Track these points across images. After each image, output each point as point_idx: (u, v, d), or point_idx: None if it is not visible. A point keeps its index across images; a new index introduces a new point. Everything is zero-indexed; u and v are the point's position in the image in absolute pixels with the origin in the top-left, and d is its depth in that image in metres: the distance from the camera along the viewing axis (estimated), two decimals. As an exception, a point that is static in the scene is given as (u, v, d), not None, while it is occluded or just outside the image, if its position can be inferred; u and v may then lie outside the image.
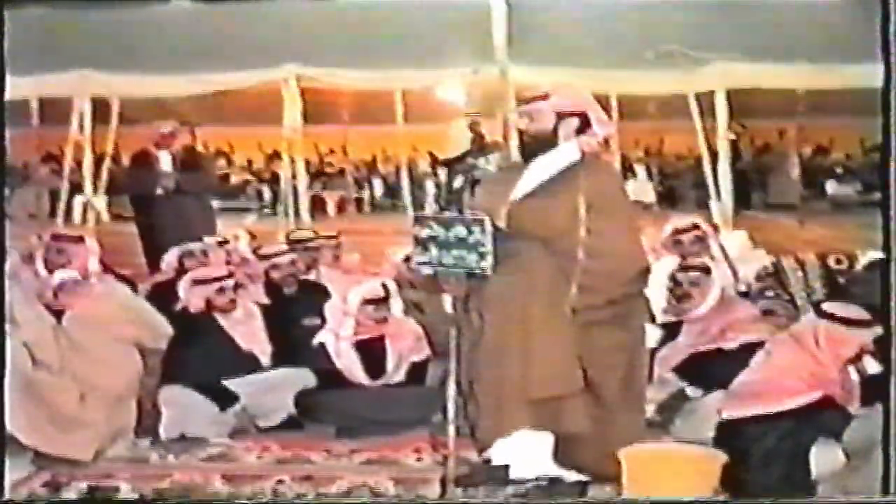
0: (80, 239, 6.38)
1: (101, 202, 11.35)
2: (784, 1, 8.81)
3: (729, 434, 4.23)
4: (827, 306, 4.36)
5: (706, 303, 5.44)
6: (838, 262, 6.24)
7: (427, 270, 4.32)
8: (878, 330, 4.03)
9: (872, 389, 4.11)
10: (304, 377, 5.49)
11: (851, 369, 4.23)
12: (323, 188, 16.03)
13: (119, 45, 9.16)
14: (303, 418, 5.40)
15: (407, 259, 6.45)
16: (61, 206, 11.08)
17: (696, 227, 6.66)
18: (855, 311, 4.25)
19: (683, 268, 5.63)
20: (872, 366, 4.20)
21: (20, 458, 4.66)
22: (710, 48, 9.23)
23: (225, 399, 5.34)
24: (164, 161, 8.33)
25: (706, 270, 5.56)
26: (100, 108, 10.98)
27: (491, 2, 8.65)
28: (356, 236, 8.97)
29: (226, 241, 7.30)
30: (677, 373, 5.34)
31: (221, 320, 5.59)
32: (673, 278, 5.55)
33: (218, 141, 17.10)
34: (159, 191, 8.22)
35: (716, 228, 7.06)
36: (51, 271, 5.86)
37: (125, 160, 11.09)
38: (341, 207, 16.30)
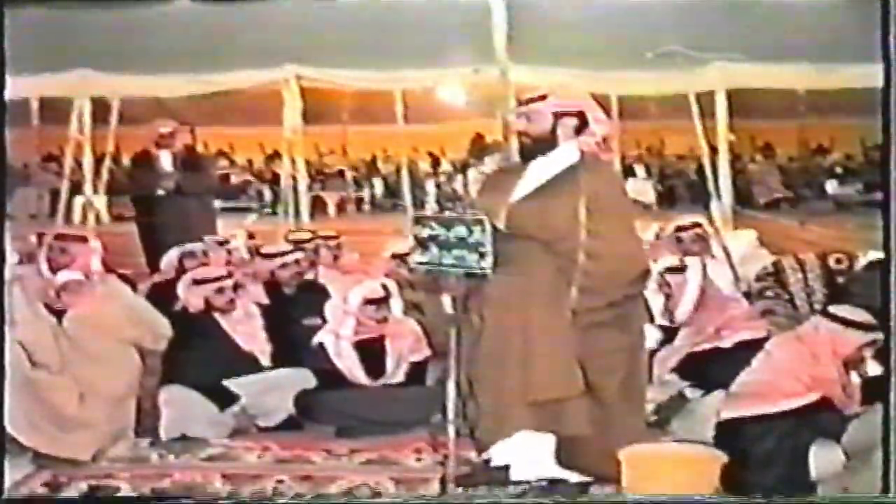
0: (84, 239, 6.38)
1: (100, 202, 11.36)
2: (784, 1, 8.81)
3: (729, 434, 4.23)
4: (833, 309, 4.36)
5: (685, 302, 5.45)
6: (838, 262, 6.23)
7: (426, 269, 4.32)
8: (881, 333, 4.03)
9: (872, 390, 4.12)
10: (304, 377, 5.49)
11: (853, 373, 4.23)
12: (323, 188, 16.01)
13: (119, 45, 9.15)
14: (303, 418, 5.40)
15: (395, 256, 6.49)
16: (61, 206, 11.06)
17: (697, 225, 6.67)
18: (859, 314, 4.25)
19: (662, 270, 5.63)
20: (874, 368, 4.20)
21: (20, 458, 4.66)
22: (710, 48, 9.23)
23: (225, 399, 5.34)
24: (165, 161, 8.32)
25: (681, 270, 5.56)
26: (100, 108, 10.98)
27: (491, 2, 8.65)
28: (356, 236, 8.96)
29: (226, 241, 7.29)
30: (676, 373, 5.35)
31: (221, 320, 5.59)
32: (655, 280, 5.55)
33: (218, 141, 17.09)
34: (160, 191, 8.21)
35: (717, 229, 7.06)
36: (54, 271, 5.86)
37: (125, 160, 11.10)
38: (341, 207, 16.28)
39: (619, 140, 12.23)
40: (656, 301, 5.53)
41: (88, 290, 5.44)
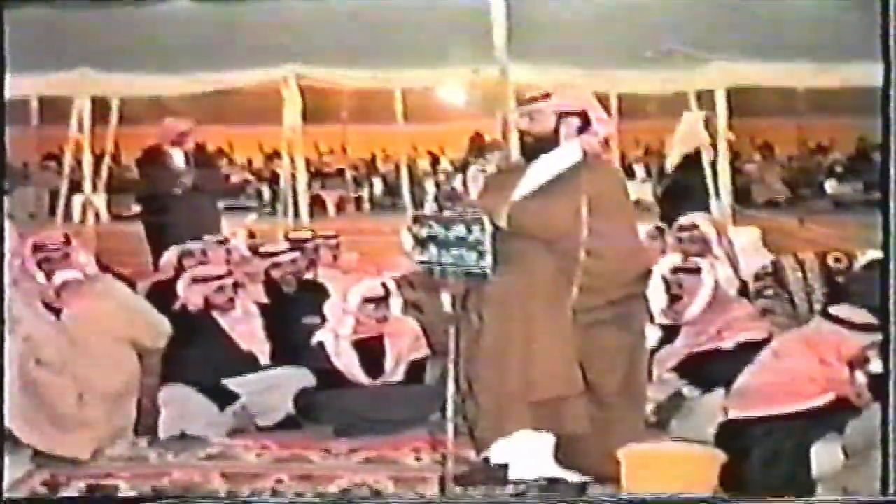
0: (66, 240, 6.30)
1: (100, 201, 11.34)
2: (784, 1, 8.82)
3: (732, 434, 4.23)
4: (834, 310, 4.36)
5: (696, 304, 5.44)
6: (837, 261, 6.24)
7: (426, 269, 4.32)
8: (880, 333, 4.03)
9: (872, 389, 4.12)
10: (303, 376, 5.49)
11: (858, 373, 4.23)
12: (322, 187, 16.01)
13: (119, 45, 9.15)
14: (302, 417, 5.39)
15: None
16: (61, 205, 11.06)
17: (695, 226, 6.66)
18: (862, 315, 4.25)
19: (673, 270, 5.62)
20: (877, 366, 4.19)
21: (19, 457, 4.66)
22: (710, 47, 9.24)
23: (224, 398, 5.34)
24: (178, 159, 8.27)
25: (696, 271, 5.54)
26: (100, 108, 10.97)
27: (491, 2, 8.65)
28: (355, 235, 8.96)
29: (225, 240, 7.28)
30: (675, 373, 5.34)
31: (220, 319, 5.59)
32: (664, 280, 5.54)
33: (217, 140, 17.10)
34: (174, 189, 8.12)
35: (718, 227, 7.05)
36: (48, 274, 5.85)
37: (128, 159, 11.08)
38: (341, 206, 16.28)
39: (619, 139, 12.25)
40: (658, 300, 5.53)
41: (85, 288, 5.44)
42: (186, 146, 8.29)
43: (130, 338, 5.28)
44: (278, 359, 5.62)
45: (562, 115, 4.28)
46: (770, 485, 4.06)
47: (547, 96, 4.31)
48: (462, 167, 15.49)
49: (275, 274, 6.38)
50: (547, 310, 4.14)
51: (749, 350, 4.70)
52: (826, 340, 4.23)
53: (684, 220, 6.78)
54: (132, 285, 6.58)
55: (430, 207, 14.56)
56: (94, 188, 11.27)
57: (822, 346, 4.22)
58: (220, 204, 9.21)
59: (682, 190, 8.82)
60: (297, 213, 10.67)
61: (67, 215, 11.20)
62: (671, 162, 9.26)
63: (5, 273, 4.42)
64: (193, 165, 8.25)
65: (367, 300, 5.55)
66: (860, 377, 4.23)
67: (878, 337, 4.09)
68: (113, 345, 5.18)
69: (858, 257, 6.15)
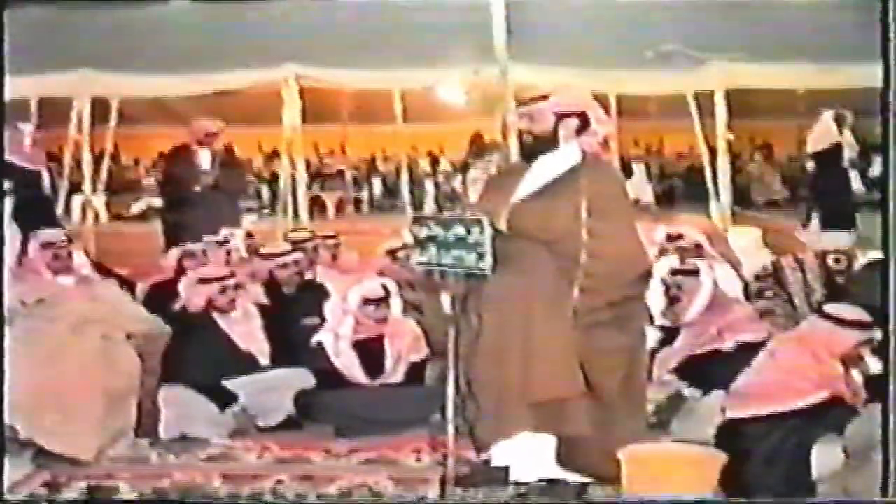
0: (69, 239, 6.29)
1: (100, 202, 11.35)
2: (784, 1, 8.83)
3: (731, 434, 4.23)
4: (829, 308, 4.37)
5: (695, 305, 5.44)
6: (837, 261, 6.24)
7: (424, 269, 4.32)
8: (876, 331, 4.03)
9: (872, 389, 4.12)
10: (303, 377, 5.49)
11: (855, 371, 4.23)
12: (322, 188, 16.00)
13: (119, 45, 9.17)
14: (302, 418, 5.39)
15: (390, 252, 6.51)
16: (60, 205, 11.05)
17: (681, 236, 6.66)
18: (854, 313, 4.25)
19: (672, 272, 5.61)
20: (875, 365, 4.20)
21: (20, 458, 4.66)
22: (710, 48, 9.25)
23: (224, 399, 5.34)
24: (204, 158, 8.27)
25: (694, 273, 5.54)
26: (99, 109, 10.97)
27: (491, 2, 8.66)
28: (355, 236, 8.96)
29: (225, 241, 7.28)
30: (676, 374, 5.35)
31: (220, 320, 5.58)
32: (663, 282, 5.53)
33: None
34: (196, 187, 8.11)
35: (708, 235, 7.03)
36: (56, 272, 5.87)
37: (128, 159, 11.07)
38: (340, 207, 16.28)
39: (618, 140, 12.26)
40: (657, 301, 5.53)
41: (83, 288, 5.44)
42: (214, 146, 8.29)
43: (126, 331, 5.28)
44: (278, 359, 5.62)
45: (561, 116, 4.28)
46: (770, 486, 4.06)
47: (546, 97, 4.31)
48: (462, 168, 15.51)
49: (275, 275, 6.38)
50: (547, 311, 4.14)
51: (748, 351, 4.69)
52: (818, 338, 4.24)
53: (671, 229, 6.78)
54: (132, 286, 6.58)
55: (429, 208, 14.57)
56: (94, 189, 11.27)
57: (815, 343, 4.23)
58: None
59: (821, 184, 9.09)
60: (296, 214, 10.68)
61: (67, 216, 11.21)
62: (807, 158, 9.46)
63: (5, 273, 4.42)
64: (219, 166, 8.26)
65: (367, 300, 5.55)
66: (856, 375, 4.23)
67: (872, 334, 4.10)
68: (112, 345, 5.18)
69: (858, 258, 6.16)
